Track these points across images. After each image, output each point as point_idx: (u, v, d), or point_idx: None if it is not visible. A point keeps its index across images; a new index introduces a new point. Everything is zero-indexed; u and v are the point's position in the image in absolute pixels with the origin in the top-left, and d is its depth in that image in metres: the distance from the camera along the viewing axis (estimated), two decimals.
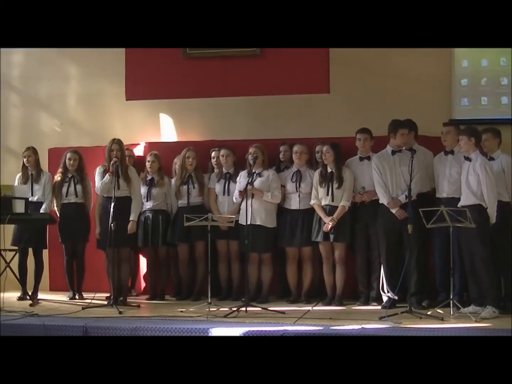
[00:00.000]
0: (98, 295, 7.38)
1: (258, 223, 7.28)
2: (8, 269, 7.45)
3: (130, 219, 7.22)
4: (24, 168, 7.92)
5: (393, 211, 6.85)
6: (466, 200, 6.42)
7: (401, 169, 6.87)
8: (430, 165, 7.07)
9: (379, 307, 6.88)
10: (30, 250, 7.80)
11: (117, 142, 7.28)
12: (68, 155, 7.82)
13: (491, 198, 6.33)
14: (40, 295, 7.78)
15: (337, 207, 7.14)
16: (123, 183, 7.19)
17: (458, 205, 6.43)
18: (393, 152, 6.97)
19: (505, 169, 6.71)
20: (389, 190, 6.93)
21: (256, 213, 7.26)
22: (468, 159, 6.48)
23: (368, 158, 7.24)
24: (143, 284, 8.21)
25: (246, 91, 8.21)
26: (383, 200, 6.94)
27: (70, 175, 7.82)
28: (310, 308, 6.97)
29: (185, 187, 7.64)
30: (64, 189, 7.78)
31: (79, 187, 7.80)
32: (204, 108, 8.59)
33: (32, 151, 7.91)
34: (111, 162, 7.14)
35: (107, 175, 7.20)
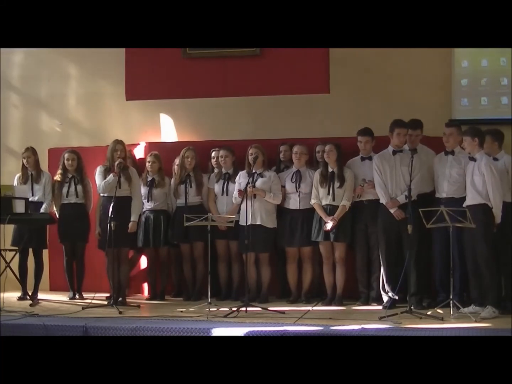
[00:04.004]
0: (98, 295, 7.38)
1: (258, 223, 7.29)
2: (8, 269, 7.45)
3: (131, 219, 7.22)
4: (24, 168, 7.92)
5: (392, 211, 6.85)
6: (471, 200, 6.41)
7: (401, 169, 6.86)
8: (432, 165, 7.07)
9: (379, 307, 6.88)
10: (30, 250, 7.80)
11: (120, 142, 7.30)
12: (66, 155, 7.82)
13: (496, 198, 6.32)
14: (40, 295, 7.78)
15: (338, 206, 7.14)
16: (124, 183, 7.19)
17: (464, 205, 6.42)
18: (394, 152, 6.97)
19: (508, 170, 6.71)
20: (388, 190, 6.93)
21: (256, 213, 7.28)
22: (473, 159, 6.47)
23: (370, 158, 7.24)
24: (145, 286, 8.21)
25: (246, 91, 8.21)
26: (382, 200, 6.94)
27: (70, 176, 7.82)
28: (310, 308, 6.97)
29: (182, 186, 7.64)
30: (65, 190, 7.78)
31: (79, 187, 7.80)
32: (204, 108, 8.59)
33: (32, 152, 7.90)
34: (116, 163, 7.14)
35: (111, 175, 7.19)
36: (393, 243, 6.86)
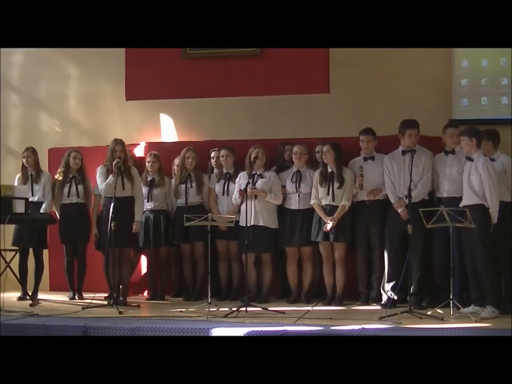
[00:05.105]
0: (98, 295, 7.38)
1: (261, 223, 7.29)
2: (8, 269, 7.45)
3: (136, 219, 7.22)
4: (24, 168, 7.92)
5: (398, 211, 6.86)
6: (468, 200, 6.42)
7: (409, 169, 6.83)
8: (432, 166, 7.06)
9: (379, 307, 6.88)
10: (31, 250, 7.80)
11: (120, 142, 7.27)
12: (73, 154, 7.82)
13: (493, 198, 6.32)
14: (40, 295, 7.78)
15: (337, 207, 7.14)
16: (127, 183, 7.19)
17: (460, 205, 6.43)
18: (404, 152, 6.97)
19: (506, 170, 6.71)
20: (396, 190, 6.94)
21: (258, 214, 7.28)
22: (470, 159, 6.48)
23: (372, 158, 7.24)
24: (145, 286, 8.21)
25: (246, 91, 8.22)
26: (391, 199, 6.96)
27: (71, 176, 7.82)
28: (310, 308, 6.97)
29: (183, 186, 7.64)
30: (66, 190, 7.78)
31: (80, 187, 7.80)
32: (204, 108, 8.60)
33: (31, 152, 7.90)
34: (114, 163, 7.13)
35: (110, 176, 7.18)
36: (399, 243, 6.85)
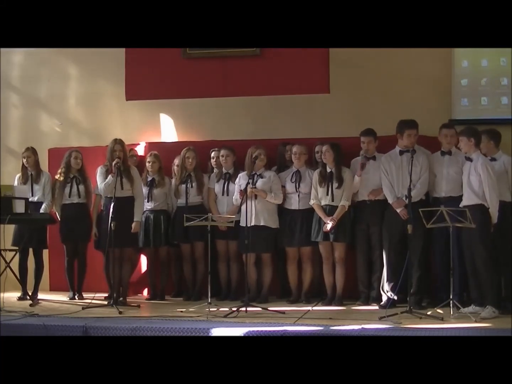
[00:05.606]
0: (98, 295, 7.38)
1: (262, 223, 7.30)
2: (8, 269, 7.45)
3: (135, 219, 7.22)
4: (24, 168, 7.92)
5: (398, 211, 6.85)
6: (468, 200, 6.42)
7: (408, 168, 6.83)
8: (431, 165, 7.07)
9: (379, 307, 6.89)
10: (31, 250, 7.80)
11: (119, 142, 7.26)
12: (74, 154, 7.83)
13: (493, 198, 6.32)
14: (40, 295, 7.78)
15: (337, 207, 7.14)
16: (126, 183, 7.18)
17: (460, 205, 6.43)
18: (401, 152, 6.96)
19: (507, 170, 6.71)
20: (394, 190, 6.93)
21: (259, 214, 7.29)
22: (469, 159, 6.48)
23: (374, 158, 7.23)
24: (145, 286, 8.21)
25: (246, 91, 8.22)
26: (389, 200, 6.95)
27: (72, 176, 7.82)
28: (310, 308, 6.97)
29: (183, 186, 7.64)
30: (67, 190, 7.78)
31: (81, 187, 7.80)
32: (204, 108, 8.60)
33: (32, 152, 7.91)
34: (113, 163, 7.13)
35: (110, 176, 7.18)
36: (398, 243, 6.85)
